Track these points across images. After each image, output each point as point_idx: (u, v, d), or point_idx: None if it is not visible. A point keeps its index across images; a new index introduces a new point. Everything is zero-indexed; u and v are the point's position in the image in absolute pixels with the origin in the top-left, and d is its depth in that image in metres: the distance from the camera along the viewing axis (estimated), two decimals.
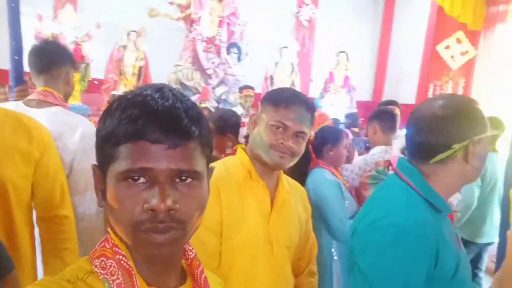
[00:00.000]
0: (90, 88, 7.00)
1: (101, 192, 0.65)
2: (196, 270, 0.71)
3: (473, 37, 6.53)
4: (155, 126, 0.57)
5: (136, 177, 0.59)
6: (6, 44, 2.08)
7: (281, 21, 8.19)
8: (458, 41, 6.64)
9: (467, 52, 6.62)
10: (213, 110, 5.78)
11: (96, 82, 7.09)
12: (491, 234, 3.07)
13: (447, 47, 6.71)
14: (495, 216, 2.98)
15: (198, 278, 0.70)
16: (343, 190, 2.17)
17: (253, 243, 1.23)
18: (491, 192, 2.99)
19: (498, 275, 1.37)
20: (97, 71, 7.02)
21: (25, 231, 1.41)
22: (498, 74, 6.05)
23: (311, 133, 3.49)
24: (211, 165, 0.70)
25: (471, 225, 2.95)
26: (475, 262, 3.26)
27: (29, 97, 1.69)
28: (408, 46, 7.68)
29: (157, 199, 0.57)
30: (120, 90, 6.79)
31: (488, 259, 3.41)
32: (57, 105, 1.68)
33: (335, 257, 2.07)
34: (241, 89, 6.29)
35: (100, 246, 0.66)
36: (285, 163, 1.24)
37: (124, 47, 7.00)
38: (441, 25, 6.77)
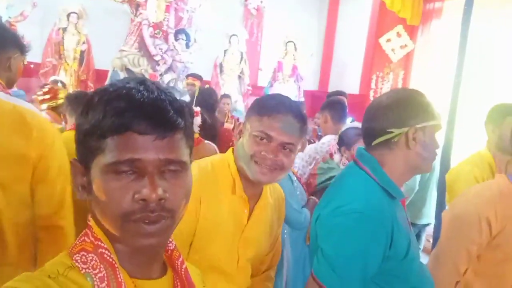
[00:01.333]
0: (26, 72, 6.49)
1: (82, 186, 0.64)
2: (176, 261, 0.72)
3: (412, 31, 6.92)
4: (142, 118, 0.58)
5: (124, 169, 0.59)
6: None
7: (229, 9, 8.12)
8: (398, 35, 7.00)
9: (406, 45, 7.01)
10: None
11: (32, 66, 6.62)
12: (429, 215, 3.33)
13: (388, 40, 7.06)
14: (433, 198, 3.23)
15: (179, 269, 0.71)
16: (293, 180, 2.23)
17: (220, 256, 1.17)
18: (430, 176, 3.24)
19: (435, 252, 1.51)
20: (33, 55, 6.53)
21: (13, 231, 1.31)
22: (434, 67, 6.47)
23: None
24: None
25: (412, 207, 3.18)
26: None
27: None
28: (353, 38, 7.97)
29: (148, 189, 0.59)
30: (61, 75, 6.41)
31: (425, 239, 3.70)
32: None
33: (287, 245, 2.13)
34: (187, 76, 6.20)
35: (79, 241, 0.65)
36: (267, 179, 1.13)
37: (64, 29, 6.59)
38: (383, 19, 7.10)
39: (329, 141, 2.77)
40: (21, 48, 1.68)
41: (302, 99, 7.56)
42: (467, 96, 4.53)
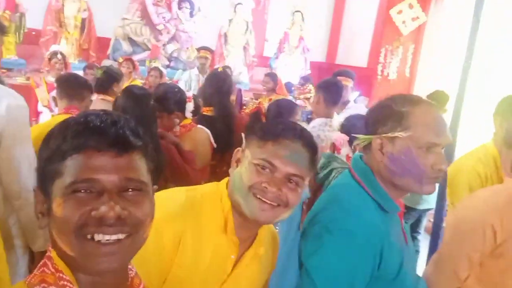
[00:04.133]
0: (27, 40, 6.39)
1: (42, 214, 0.64)
2: None
3: (425, 3, 6.63)
4: (100, 135, 0.60)
5: (83, 188, 0.60)
6: None
7: None
8: (410, 6, 6.71)
9: (417, 17, 6.73)
10: (164, 70, 5.54)
11: (33, 33, 6.48)
12: (429, 201, 3.28)
13: (400, 12, 6.78)
14: None
15: None
16: None
17: None
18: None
19: (435, 257, 1.47)
20: (34, 22, 6.40)
21: None
22: (445, 43, 6.24)
23: (263, 105, 3.39)
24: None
25: (413, 194, 3.13)
26: (415, 226, 3.53)
27: None
28: (363, 8, 7.67)
29: (106, 206, 0.59)
30: (62, 44, 6.28)
31: (426, 220, 3.68)
32: None
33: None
34: (198, 49, 5.97)
35: (39, 271, 0.63)
36: (267, 217, 0.94)
37: None
38: None
39: (319, 124, 2.66)
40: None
41: (309, 71, 7.39)
42: (477, 81, 4.35)
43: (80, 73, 3.49)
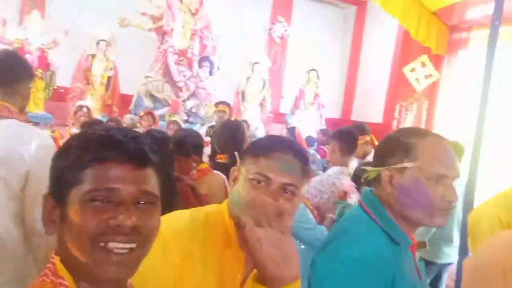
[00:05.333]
0: (55, 97, 6.77)
1: (52, 220, 0.66)
2: None
3: (437, 61, 6.81)
4: (121, 149, 0.64)
5: (102, 197, 0.62)
6: None
7: (253, 37, 8.27)
8: (423, 64, 6.89)
9: (431, 75, 6.88)
10: (182, 124, 5.72)
11: (61, 90, 6.87)
12: (451, 254, 3.14)
13: (413, 70, 6.95)
14: (455, 237, 3.06)
15: None
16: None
17: None
18: (451, 214, 3.07)
19: None
20: (63, 79, 6.81)
21: None
22: (460, 98, 6.31)
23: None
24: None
25: (432, 246, 3.00)
26: (435, 282, 3.33)
27: None
28: (376, 66, 7.92)
29: (123, 216, 0.62)
30: (87, 100, 6.61)
31: (448, 278, 3.49)
32: (12, 118, 1.61)
33: None
34: (217, 104, 6.18)
35: (39, 281, 0.65)
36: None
37: (93, 56, 6.84)
38: (407, 48, 7.04)
39: (335, 172, 2.67)
40: (33, 77, 1.77)
41: (324, 127, 7.50)
42: (493, 130, 4.36)
43: None
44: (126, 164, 0.64)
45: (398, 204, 1.05)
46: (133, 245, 0.63)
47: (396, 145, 1.08)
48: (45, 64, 6.42)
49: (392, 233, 1.06)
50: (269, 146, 1.00)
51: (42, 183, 1.60)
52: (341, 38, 9.10)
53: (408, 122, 6.95)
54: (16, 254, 1.60)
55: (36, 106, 6.34)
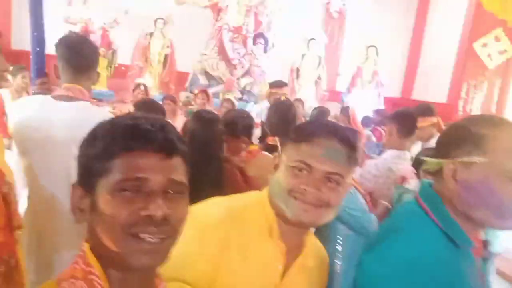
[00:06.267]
0: (117, 74, 7.06)
1: (80, 210, 0.66)
2: None
3: None
4: (150, 138, 0.63)
5: (132, 187, 0.62)
6: (25, 24, 2.06)
7: (310, 12, 7.99)
8: (497, 39, 6.29)
9: (505, 51, 6.27)
10: (236, 102, 5.72)
11: (123, 68, 7.15)
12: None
13: (484, 45, 6.37)
14: None
15: None
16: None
17: None
18: None
19: None
20: (123, 57, 7.07)
21: None
22: None
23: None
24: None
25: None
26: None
27: (57, 92, 1.70)
28: (443, 41, 7.35)
29: (154, 206, 0.61)
30: (146, 78, 6.82)
31: None
32: (85, 100, 1.69)
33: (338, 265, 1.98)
34: (271, 85, 6.00)
35: (70, 268, 0.65)
36: (311, 217, 0.91)
37: (151, 34, 7.01)
38: (479, 21, 6.43)
39: (392, 157, 2.51)
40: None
41: (382, 107, 7.16)
42: None
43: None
44: (154, 153, 0.63)
45: (461, 203, 0.92)
46: (164, 236, 0.62)
47: (464, 135, 0.93)
48: (107, 43, 6.70)
49: (452, 233, 0.94)
50: (311, 131, 0.93)
51: None
52: (404, 10, 8.51)
53: (476, 103, 6.43)
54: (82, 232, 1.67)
55: (100, 83, 6.65)
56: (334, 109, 5.89)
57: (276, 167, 0.98)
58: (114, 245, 0.62)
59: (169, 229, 0.63)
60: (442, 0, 7.92)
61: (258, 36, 7.20)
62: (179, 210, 0.65)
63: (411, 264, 0.87)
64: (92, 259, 0.64)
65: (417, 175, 2.21)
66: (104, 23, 6.71)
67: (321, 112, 4.71)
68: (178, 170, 0.65)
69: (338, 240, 1.98)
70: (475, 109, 6.46)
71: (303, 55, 7.40)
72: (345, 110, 5.30)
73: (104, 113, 1.73)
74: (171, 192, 0.64)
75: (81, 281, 0.62)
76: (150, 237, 0.61)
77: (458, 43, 6.82)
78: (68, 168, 1.59)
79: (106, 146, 0.63)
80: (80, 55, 1.68)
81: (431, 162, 0.97)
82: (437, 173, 0.98)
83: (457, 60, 6.81)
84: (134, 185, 0.62)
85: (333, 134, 0.92)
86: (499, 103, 6.41)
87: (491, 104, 6.43)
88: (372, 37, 7.45)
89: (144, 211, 0.61)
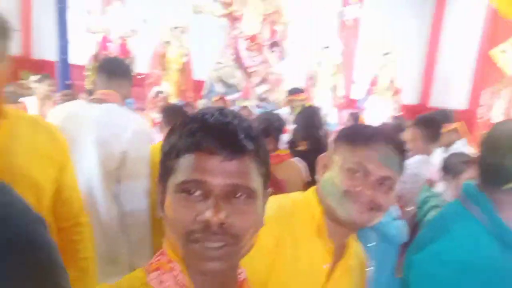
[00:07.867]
0: (135, 82, 7.12)
1: (161, 204, 0.65)
2: None
3: None
4: (211, 137, 0.59)
5: (191, 189, 0.60)
6: (49, 33, 2.12)
7: (325, 21, 8.01)
8: None
9: None
10: (252, 110, 5.74)
11: (140, 76, 7.23)
12: None
13: (503, 52, 6.29)
14: None
15: None
16: None
17: None
18: None
19: None
20: (141, 66, 7.16)
21: None
22: None
23: None
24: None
25: None
26: None
27: (92, 97, 1.82)
28: (460, 48, 7.28)
29: (210, 211, 0.58)
30: (164, 85, 6.90)
31: None
32: (114, 102, 1.77)
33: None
34: (289, 93, 5.91)
35: (156, 260, 0.66)
36: (365, 219, 0.93)
37: (168, 43, 7.10)
38: (497, 28, 6.36)
39: (416, 162, 2.50)
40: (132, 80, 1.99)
41: (400, 114, 7.11)
42: None
43: None
44: (216, 154, 0.59)
45: None
46: (223, 243, 0.59)
47: None
48: (125, 52, 6.80)
49: (500, 233, 0.94)
50: (370, 136, 0.95)
51: (136, 165, 1.70)
52: (420, 15, 8.46)
53: (496, 109, 6.33)
54: (110, 231, 1.70)
55: None
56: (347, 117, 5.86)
57: (325, 167, 1.00)
58: (178, 249, 0.62)
59: (227, 239, 0.59)
60: (458, 6, 7.87)
61: (274, 44, 7.23)
62: (242, 217, 0.60)
63: (464, 264, 0.88)
64: (171, 255, 0.65)
65: (444, 179, 2.20)
66: (122, 33, 6.82)
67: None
68: (243, 172, 0.60)
69: (367, 247, 1.97)
70: (496, 116, 6.36)
71: (319, 63, 7.41)
72: (353, 116, 5.29)
73: (130, 115, 1.79)
74: (236, 196, 0.60)
75: (168, 274, 0.63)
76: (209, 244, 0.59)
77: (476, 49, 6.76)
78: (90, 167, 1.64)
79: (173, 144, 0.62)
80: (113, 64, 1.87)
81: None
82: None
83: (476, 67, 6.74)
84: (193, 187, 0.59)
85: (390, 140, 0.95)
86: None
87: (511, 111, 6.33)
88: (388, 44, 7.43)
89: (200, 216, 0.58)
